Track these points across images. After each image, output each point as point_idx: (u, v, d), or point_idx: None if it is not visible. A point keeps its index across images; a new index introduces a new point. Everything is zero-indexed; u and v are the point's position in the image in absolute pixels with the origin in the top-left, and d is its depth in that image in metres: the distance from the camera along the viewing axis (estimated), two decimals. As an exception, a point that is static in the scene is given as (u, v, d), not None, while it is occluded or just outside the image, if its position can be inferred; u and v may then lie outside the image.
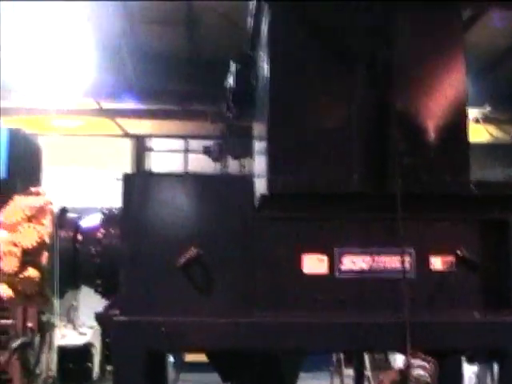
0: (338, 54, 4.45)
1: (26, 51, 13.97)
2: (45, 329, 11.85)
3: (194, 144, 20.37)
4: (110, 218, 4.91)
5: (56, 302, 5.07)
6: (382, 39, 4.29)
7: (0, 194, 8.25)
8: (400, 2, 4.03)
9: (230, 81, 5.76)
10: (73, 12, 12.65)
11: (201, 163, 19.33)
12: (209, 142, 16.96)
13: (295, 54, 4.43)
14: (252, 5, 4.83)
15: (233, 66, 5.67)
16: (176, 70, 16.65)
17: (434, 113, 4.38)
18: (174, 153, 21.79)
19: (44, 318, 11.48)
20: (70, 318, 15.86)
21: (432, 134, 4.36)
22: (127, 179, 4.44)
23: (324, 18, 4.48)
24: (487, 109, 17.10)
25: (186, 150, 21.67)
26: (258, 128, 5.19)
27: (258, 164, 5.08)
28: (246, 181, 4.57)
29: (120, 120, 17.30)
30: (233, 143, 13.32)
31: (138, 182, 4.47)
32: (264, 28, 4.72)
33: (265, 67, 4.56)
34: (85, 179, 19.60)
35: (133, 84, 16.60)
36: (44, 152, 11.48)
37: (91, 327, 15.10)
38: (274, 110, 4.38)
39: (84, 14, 12.83)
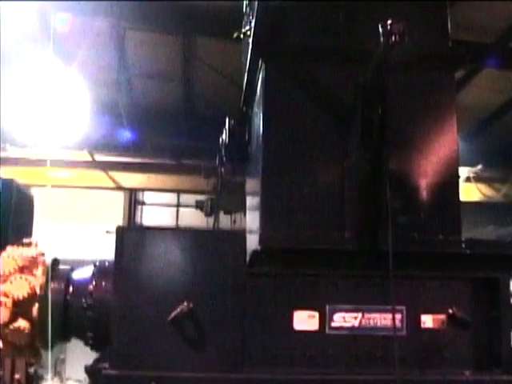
0: (333, 112, 4.50)
1: (21, 102, 14.04)
2: (32, 381, 11.71)
3: (187, 198, 20.43)
4: (101, 271, 4.89)
5: (47, 355, 5.03)
6: (376, 98, 4.35)
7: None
8: (393, 63, 4.08)
9: (224, 137, 5.81)
10: (69, 63, 12.77)
11: (192, 217, 19.38)
12: (201, 197, 17.01)
13: (289, 112, 4.48)
14: (248, 62, 4.90)
15: (227, 122, 5.73)
16: (170, 125, 16.75)
17: (426, 172, 4.42)
18: (166, 207, 21.80)
19: (32, 370, 11.35)
20: (57, 371, 15.70)
21: (424, 193, 4.40)
22: (120, 232, 4.44)
23: (319, 77, 4.55)
24: (478, 167, 17.23)
25: (178, 205, 21.70)
26: (251, 184, 5.22)
27: (251, 220, 5.10)
28: (238, 236, 4.58)
29: (113, 173, 17.36)
30: (225, 198, 13.34)
31: (131, 236, 4.47)
32: (259, 85, 4.78)
33: (259, 124, 4.61)
34: (77, 231, 19.58)
35: (127, 137, 16.68)
36: (37, 203, 11.52)
37: (78, 381, 14.94)
38: (267, 167, 4.41)
39: (80, 66, 12.94)
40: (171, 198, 21.52)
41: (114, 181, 17.48)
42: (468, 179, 16.99)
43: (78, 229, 19.71)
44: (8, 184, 10.31)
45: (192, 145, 16.77)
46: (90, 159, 16.97)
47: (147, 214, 21.92)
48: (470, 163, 16.73)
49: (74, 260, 5.57)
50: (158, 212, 21.76)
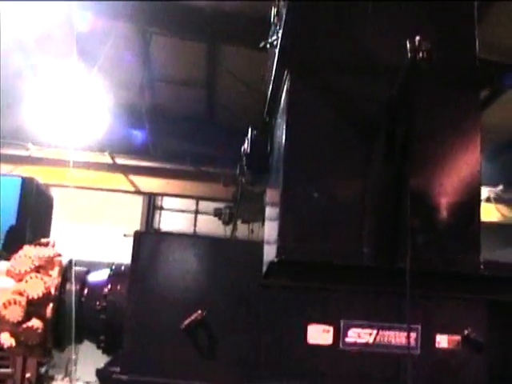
0: (356, 126, 4.48)
1: (45, 103, 14.12)
2: (43, 381, 11.74)
3: (205, 205, 20.44)
4: (117, 274, 4.90)
5: (59, 355, 5.03)
6: (401, 114, 4.32)
7: (9, 241, 8.28)
8: (420, 78, 4.06)
9: (246, 146, 5.80)
10: (92, 65, 12.81)
11: (210, 225, 19.40)
12: (220, 205, 17.01)
13: (313, 124, 4.46)
14: (273, 72, 4.89)
15: (249, 132, 5.72)
16: (192, 131, 16.77)
17: (447, 191, 4.39)
18: (185, 213, 21.83)
19: (42, 369, 11.38)
20: (68, 372, 15.72)
21: (444, 212, 4.37)
22: (138, 237, 4.44)
23: (344, 89, 4.53)
24: (499, 188, 17.13)
25: (197, 211, 21.73)
26: (271, 195, 5.21)
27: (269, 230, 5.08)
28: (256, 247, 4.57)
29: (132, 176, 17.39)
30: (243, 207, 13.34)
31: (148, 241, 4.48)
32: (283, 96, 4.77)
33: (281, 135, 4.60)
34: (95, 233, 19.64)
35: (148, 141, 16.73)
36: (56, 203, 11.57)
37: (88, 382, 14.95)
38: (287, 178, 4.39)
39: (104, 68, 12.98)
40: (190, 204, 21.56)
41: (133, 184, 17.49)
42: (488, 199, 16.89)
43: (96, 231, 19.79)
44: (28, 183, 10.43)
45: (212, 152, 16.77)
46: (110, 162, 17.01)
47: (165, 219, 21.96)
48: (491, 183, 16.64)
49: (90, 262, 5.57)
50: (175, 218, 21.80)
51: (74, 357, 14.91)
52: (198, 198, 20.62)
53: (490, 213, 17.15)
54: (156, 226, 21.64)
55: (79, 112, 13.92)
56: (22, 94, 14.61)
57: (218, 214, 16.80)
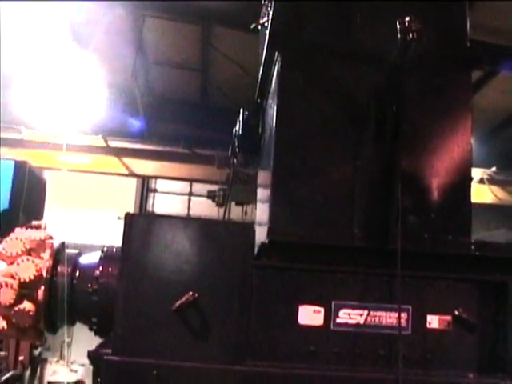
0: (347, 109, 4.48)
1: (38, 86, 14.07)
2: (36, 363, 11.77)
3: (199, 188, 20.43)
4: (109, 257, 4.89)
5: (52, 337, 5.03)
6: (391, 97, 4.32)
7: (1, 224, 8.26)
8: (409, 62, 4.06)
9: (237, 127, 5.80)
10: (86, 48, 12.77)
11: (204, 207, 19.41)
12: (213, 187, 17.00)
13: (303, 107, 4.46)
14: (264, 54, 4.88)
15: (241, 113, 5.71)
16: (186, 114, 16.74)
17: (438, 172, 4.40)
18: (178, 195, 21.83)
19: (36, 352, 11.41)
20: (63, 354, 15.74)
21: (435, 194, 4.38)
22: (129, 219, 4.43)
23: (334, 74, 4.53)
24: (492, 169, 17.16)
25: (190, 194, 21.72)
26: (262, 176, 5.21)
27: (260, 212, 5.08)
28: (247, 228, 4.56)
29: (126, 159, 17.35)
30: (237, 189, 13.34)
31: (140, 223, 4.46)
32: (274, 77, 4.77)
33: (272, 116, 4.59)
34: (88, 216, 19.64)
35: (142, 124, 16.69)
36: (49, 187, 11.55)
37: (83, 365, 14.98)
38: (278, 160, 4.40)
39: (97, 52, 12.94)
40: (184, 186, 21.55)
41: (127, 167, 17.44)
42: (481, 181, 16.92)
43: (89, 214, 19.78)
44: (21, 166, 10.39)
45: (207, 134, 16.74)
46: (104, 145, 16.96)
47: (159, 201, 21.96)
48: (484, 165, 16.65)
49: (83, 245, 5.57)
50: (169, 200, 21.80)
51: (67, 339, 14.95)
52: (191, 181, 20.59)
53: (483, 194, 17.18)
54: (150, 208, 21.63)
55: (73, 96, 13.88)
56: (15, 77, 14.54)
57: (211, 196, 16.77)
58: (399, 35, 3.77)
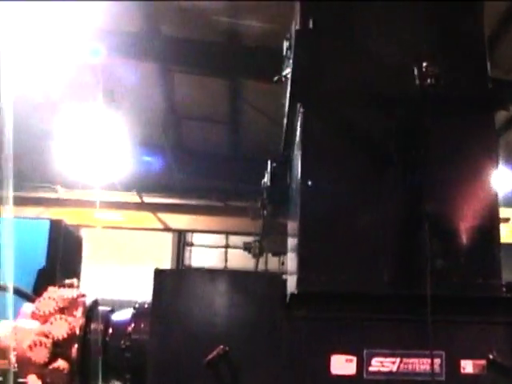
0: (370, 155, 4.49)
1: (71, 146, 14.30)
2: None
3: (235, 240, 20.48)
4: (140, 313, 4.92)
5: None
6: (413, 141, 4.33)
7: (39, 284, 8.33)
8: (430, 105, 4.07)
9: (266, 179, 5.84)
10: (118, 106, 12.97)
11: (241, 259, 19.41)
12: (249, 239, 17.04)
13: (327, 155, 4.49)
14: (287, 104, 4.93)
15: (268, 165, 5.76)
16: (218, 167, 16.87)
17: (465, 215, 4.38)
18: (215, 248, 21.88)
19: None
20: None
21: (463, 237, 4.35)
22: (158, 275, 4.46)
23: (357, 121, 4.55)
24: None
25: (227, 246, 21.77)
26: (291, 226, 5.22)
27: (290, 261, 5.09)
28: (278, 279, 4.57)
29: (161, 214, 17.48)
30: (271, 240, 13.36)
31: (169, 278, 4.49)
32: (297, 127, 4.80)
33: (297, 167, 4.62)
34: (125, 272, 19.73)
35: (175, 178, 16.83)
36: (86, 244, 11.68)
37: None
38: (305, 209, 4.41)
39: (128, 108, 13.14)
40: (220, 239, 21.62)
41: (162, 222, 17.58)
42: (506, 220, 16.75)
43: (126, 270, 19.88)
44: (56, 225, 10.53)
45: (240, 186, 16.84)
46: (138, 201, 17.11)
47: (196, 255, 22.03)
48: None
49: (120, 301, 5.61)
50: (207, 253, 21.86)
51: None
52: (227, 233, 20.66)
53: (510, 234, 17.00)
54: (187, 262, 21.70)
55: (105, 153, 14.07)
56: (49, 136, 14.79)
57: (247, 247, 16.81)
58: (417, 81, 3.79)
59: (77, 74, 12.77)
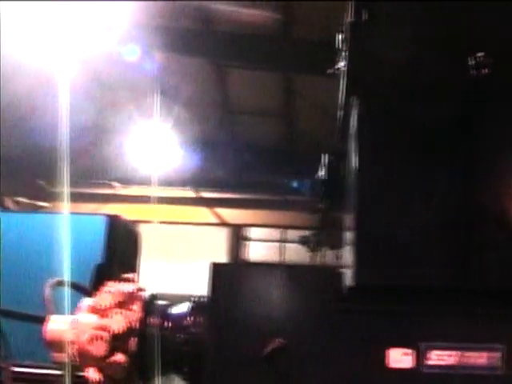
0: (426, 149, 4.45)
1: (128, 142, 14.43)
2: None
3: (292, 234, 20.45)
4: (198, 307, 4.95)
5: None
6: (468, 132, 4.28)
7: (96, 278, 8.43)
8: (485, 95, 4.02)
9: (322, 172, 5.82)
10: (172, 101, 13.06)
11: (298, 253, 19.39)
12: (306, 233, 17.01)
13: (383, 148, 4.45)
14: (342, 98, 4.90)
15: (323, 158, 5.74)
16: (274, 161, 16.87)
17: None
18: (272, 242, 21.88)
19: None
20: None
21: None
22: (214, 269, 4.49)
23: (413, 114, 4.51)
24: None
25: (283, 240, 21.75)
26: (347, 219, 5.20)
27: (347, 255, 5.07)
28: (334, 272, 4.57)
29: (217, 209, 17.55)
30: (328, 234, 13.33)
31: (225, 272, 4.52)
32: (354, 121, 4.78)
33: (354, 160, 4.59)
34: (183, 267, 19.86)
35: (230, 173, 16.88)
36: (144, 240, 11.76)
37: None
38: (361, 202, 4.39)
39: (183, 103, 13.22)
40: (277, 233, 21.61)
41: (218, 217, 17.66)
42: None
43: (184, 265, 20.00)
44: (113, 220, 10.63)
45: (295, 180, 16.82)
46: (194, 196, 17.21)
47: (253, 249, 22.05)
48: None
49: (178, 295, 5.65)
50: (263, 248, 21.87)
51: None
52: (284, 227, 20.64)
53: None
54: (243, 257, 21.76)
55: (161, 148, 14.16)
56: (106, 132, 14.96)
57: (304, 241, 16.79)
58: (471, 71, 3.74)
59: (132, 71, 12.89)
